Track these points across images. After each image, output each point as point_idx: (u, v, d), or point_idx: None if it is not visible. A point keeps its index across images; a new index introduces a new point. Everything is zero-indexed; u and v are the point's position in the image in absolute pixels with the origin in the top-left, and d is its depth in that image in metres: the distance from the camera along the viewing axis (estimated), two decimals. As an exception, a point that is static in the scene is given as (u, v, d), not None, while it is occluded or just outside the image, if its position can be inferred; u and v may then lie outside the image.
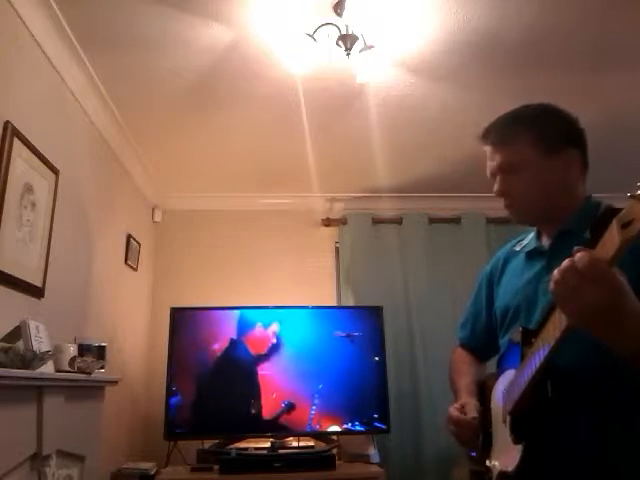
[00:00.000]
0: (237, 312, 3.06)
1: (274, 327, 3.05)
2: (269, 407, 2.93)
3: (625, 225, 0.74)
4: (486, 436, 1.20)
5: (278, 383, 2.98)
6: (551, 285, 0.85)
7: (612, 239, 0.77)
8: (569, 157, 1.20)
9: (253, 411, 2.89)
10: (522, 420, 1.05)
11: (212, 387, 2.94)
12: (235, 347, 3.00)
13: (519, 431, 1.05)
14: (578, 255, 0.81)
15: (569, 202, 1.20)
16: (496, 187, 1.24)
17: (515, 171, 1.20)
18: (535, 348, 0.99)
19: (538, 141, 1.19)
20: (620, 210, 1.12)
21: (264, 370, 2.98)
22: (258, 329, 3.04)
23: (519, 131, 1.22)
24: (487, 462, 1.18)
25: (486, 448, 1.20)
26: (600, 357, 0.95)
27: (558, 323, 0.89)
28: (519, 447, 1.02)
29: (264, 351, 3.01)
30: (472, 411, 1.21)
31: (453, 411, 1.23)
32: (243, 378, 2.98)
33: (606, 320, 0.83)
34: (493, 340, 1.36)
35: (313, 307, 3.20)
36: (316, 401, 2.96)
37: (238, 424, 2.93)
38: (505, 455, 1.09)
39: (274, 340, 3.02)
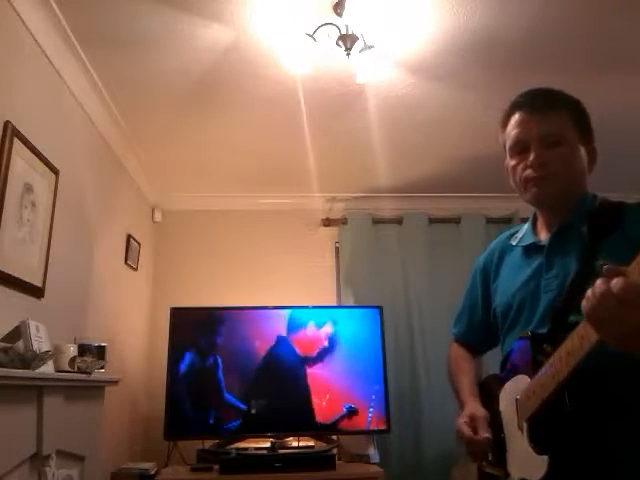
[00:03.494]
0: (286, 312, 3.04)
1: (328, 328, 3.03)
2: (323, 409, 2.91)
3: None
4: (497, 441, 1.18)
5: (331, 383, 2.95)
6: (586, 307, 0.84)
7: None
8: (594, 150, 1.21)
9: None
10: (541, 429, 1.04)
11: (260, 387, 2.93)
12: (279, 346, 2.97)
13: (540, 441, 1.03)
14: (614, 281, 0.79)
15: (577, 194, 1.19)
16: (533, 157, 1.16)
17: (556, 143, 1.15)
18: (556, 358, 0.97)
19: (576, 124, 1.19)
20: (616, 203, 1.13)
21: (315, 369, 2.96)
22: (310, 329, 3.02)
23: (563, 106, 1.20)
24: (501, 468, 1.16)
25: (498, 453, 1.18)
26: (618, 364, 0.94)
27: (586, 337, 0.88)
28: (543, 457, 1.00)
29: (314, 353, 2.98)
30: (483, 428, 1.18)
31: (464, 428, 1.20)
32: (290, 378, 2.96)
33: None
34: (489, 334, 1.35)
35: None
36: (373, 402, 2.94)
37: (289, 423, 2.90)
38: (524, 463, 1.07)
39: (325, 343, 3.00)
